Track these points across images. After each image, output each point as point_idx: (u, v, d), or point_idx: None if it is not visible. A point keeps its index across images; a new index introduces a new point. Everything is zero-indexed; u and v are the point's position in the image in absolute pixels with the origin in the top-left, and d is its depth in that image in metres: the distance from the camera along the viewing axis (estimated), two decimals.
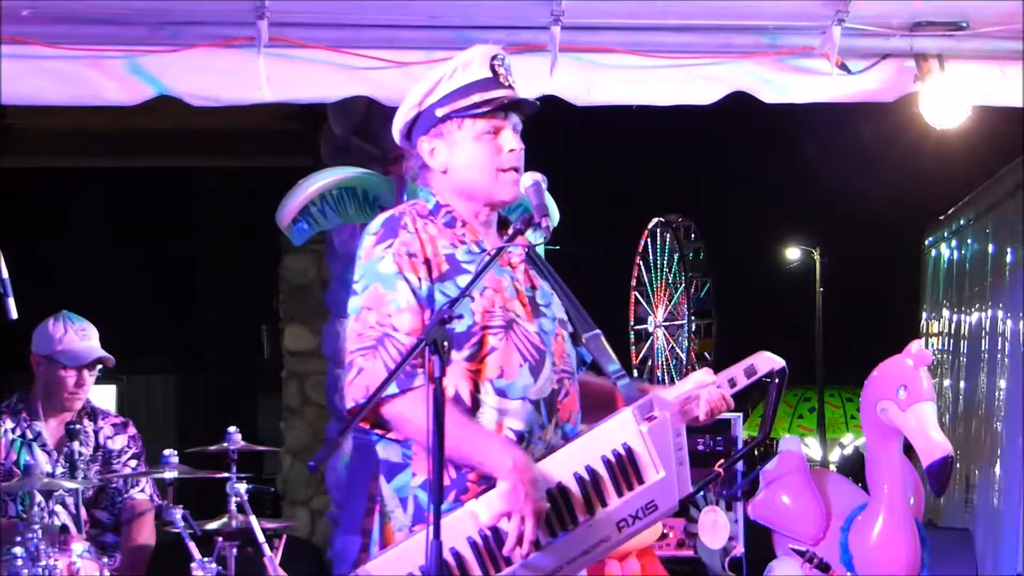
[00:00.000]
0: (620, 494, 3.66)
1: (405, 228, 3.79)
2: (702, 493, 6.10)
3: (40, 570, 5.40)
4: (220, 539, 6.08)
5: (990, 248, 10.06)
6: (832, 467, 30.39)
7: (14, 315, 4.60)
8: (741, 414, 8.01)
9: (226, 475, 6.08)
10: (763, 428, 4.05)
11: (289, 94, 6.16)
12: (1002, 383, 9.41)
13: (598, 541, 3.66)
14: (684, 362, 35.76)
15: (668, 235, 35.83)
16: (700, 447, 7.73)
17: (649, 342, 36.48)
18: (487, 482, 3.62)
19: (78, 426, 6.20)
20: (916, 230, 13.04)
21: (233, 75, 5.97)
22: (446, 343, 3.41)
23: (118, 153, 12.48)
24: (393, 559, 3.63)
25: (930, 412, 5.45)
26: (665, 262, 35.97)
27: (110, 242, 21.59)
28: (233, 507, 6.08)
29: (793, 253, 37.03)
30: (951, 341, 11.26)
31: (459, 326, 3.68)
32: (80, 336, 6.22)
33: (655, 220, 35.75)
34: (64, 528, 5.81)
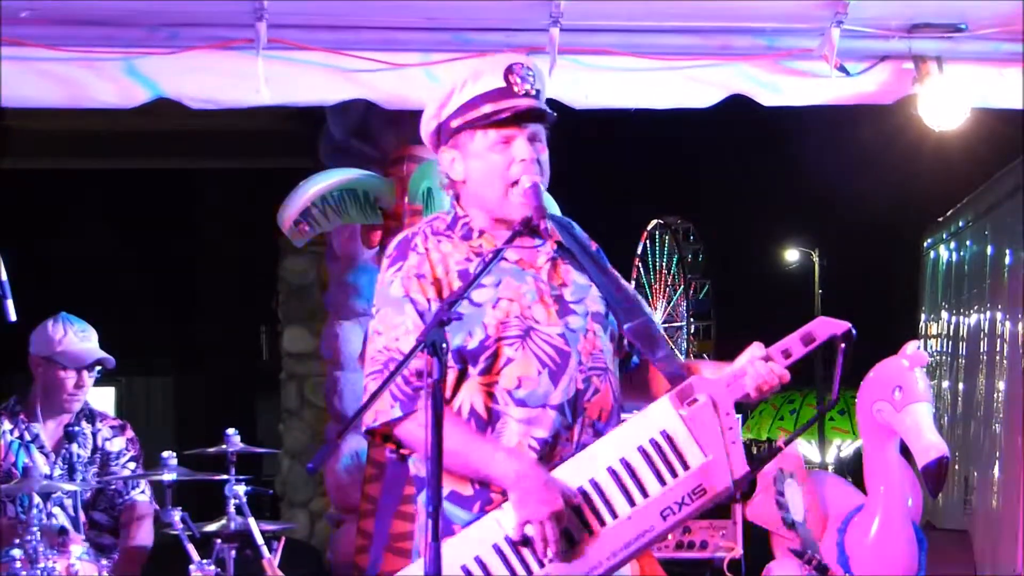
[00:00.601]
0: (662, 483, 3.64)
1: (415, 249, 3.83)
2: None
3: (38, 572, 5.41)
4: (219, 541, 6.08)
5: (989, 250, 10.06)
6: (829, 469, 30.41)
7: (13, 317, 4.60)
8: (740, 416, 7.99)
9: (225, 477, 6.08)
10: (835, 394, 3.89)
11: (288, 97, 6.16)
12: (1001, 385, 9.41)
13: (641, 532, 3.63)
14: None
15: (667, 237, 35.90)
16: None
17: None
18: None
19: (76, 428, 6.21)
20: (915, 232, 13.04)
21: (232, 77, 5.97)
22: (444, 345, 3.41)
23: (117, 154, 12.49)
24: (419, 570, 3.68)
25: (926, 413, 5.44)
26: (664, 264, 36.04)
27: (109, 243, 21.60)
28: (232, 509, 6.08)
29: (792, 255, 37.07)
30: (950, 343, 11.26)
31: (471, 342, 3.71)
32: (80, 337, 6.23)
33: (654, 222, 35.82)
34: (63, 530, 5.81)
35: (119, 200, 20.42)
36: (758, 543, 6.51)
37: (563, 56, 6.00)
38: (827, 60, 6.10)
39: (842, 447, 34.83)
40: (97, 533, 6.19)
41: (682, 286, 35.99)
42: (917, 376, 5.51)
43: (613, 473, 3.64)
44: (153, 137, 11.51)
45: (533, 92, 3.87)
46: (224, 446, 6.14)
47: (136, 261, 21.95)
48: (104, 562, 5.92)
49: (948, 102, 6.30)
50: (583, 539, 3.62)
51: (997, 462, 9.32)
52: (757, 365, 3.74)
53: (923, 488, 5.65)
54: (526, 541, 3.60)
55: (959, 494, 10.12)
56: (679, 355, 3.94)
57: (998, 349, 9.53)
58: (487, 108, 3.82)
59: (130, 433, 6.38)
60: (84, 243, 21.24)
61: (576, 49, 6.09)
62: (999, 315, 9.58)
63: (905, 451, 5.62)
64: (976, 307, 10.32)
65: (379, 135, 9.35)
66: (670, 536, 6.98)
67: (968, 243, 10.88)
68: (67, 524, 5.93)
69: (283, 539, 6.31)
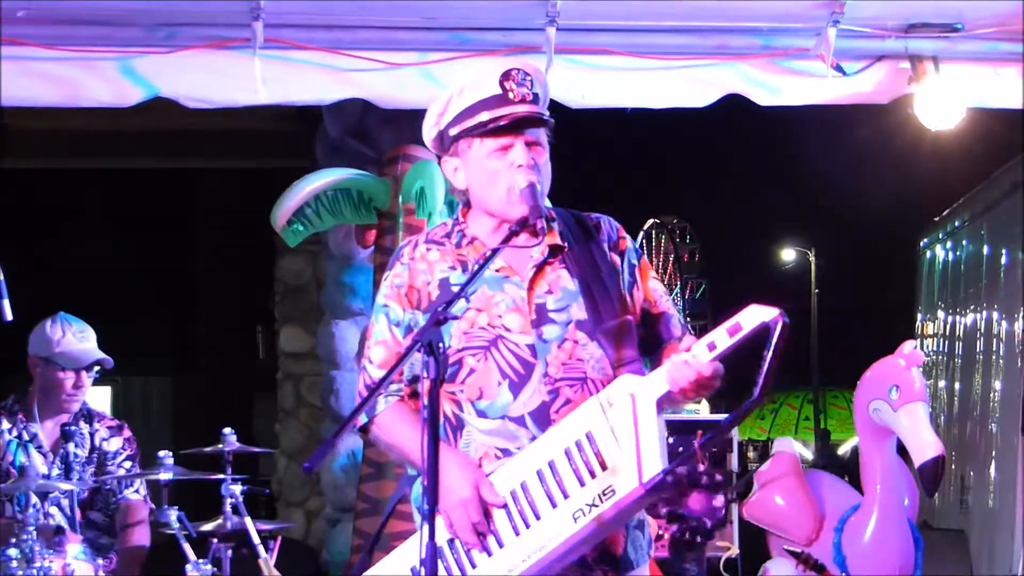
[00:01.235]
0: (582, 484, 3.59)
1: (400, 259, 3.92)
2: None
3: (35, 571, 5.40)
4: (215, 541, 6.07)
5: (985, 250, 10.06)
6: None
7: (9, 316, 4.61)
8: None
9: (221, 476, 6.08)
10: (759, 389, 3.56)
11: (285, 96, 6.16)
12: (997, 384, 9.42)
13: (553, 535, 3.59)
14: None
15: (663, 236, 35.85)
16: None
17: None
18: None
19: (74, 428, 6.21)
20: (911, 231, 13.05)
21: (228, 77, 5.96)
22: (440, 344, 3.41)
23: (113, 154, 12.49)
24: (384, 566, 3.72)
25: (922, 412, 5.45)
26: (660, 263, 35.99)
27: (105, 243, 21.58)
28: (228, 508, 6.07)
29: (789, 254, 37.08)
30: (946, 342, 11.26)
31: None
32: (79, 338, 6.23)
33: (650, 221, 35.77)
34: (59, 529, 5.80)
35: (115, 200, 20.41)
36: (754, 542, 6.52)
37: (560, 56, 6.00)
38: (823, 60, 6.10)
39: (840, 446, 34.84)
40: (94, 533, 6.19)
41: (678, 285, 35.94)
42: (914, 375, 5.52)
43: (540, 476, 3.63)
44: (148, 137, 11.50)
45: (530, 97, 3.85)
46: (220, 445, 6.14)
47: (133, 261, 21.93)
48: (101, 562, 5.91)
49: (945, 102, 6.30)
50: (508, 539, 3.63)
51: (993, 462, 9.33)
52: (675, 360, 3.59)
53: (919, 487, 5.66)
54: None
55: (955, 494, 10.12)
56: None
57: (994, 349, 9.54)
58: (483, 116, 3.82)
59: (127, 433, 6.38)
60: (80, 242, 21.22)
61: (573, 48, 6.08)
62: (995, 315, 9.59)
63: (902, 450, 5.62)
64: (972, 307, 10.32)
65: (376, 135, 9.37)
66: (665, 536, 6.98)
67: (964, 243, 10.88)
68: (64, 524, 5.92)
69: (279, 539, 6.31)
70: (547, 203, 3.94)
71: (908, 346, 5.62)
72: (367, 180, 8.00)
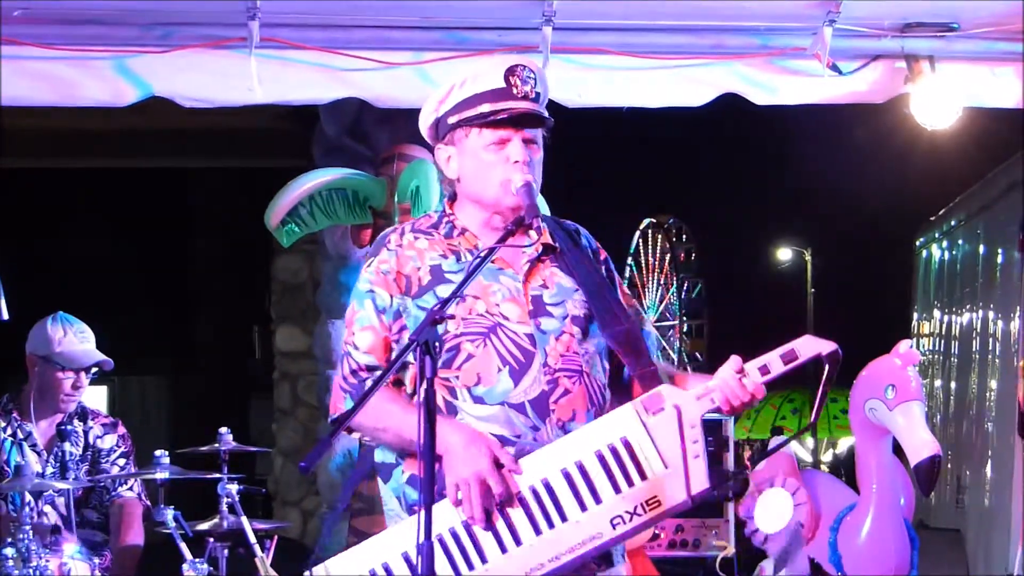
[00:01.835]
0: (617, 490, 3.59)
1: (386, 246, 3.89)
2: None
3: (31, 571, 5.40)
4: (211, 540, 6.08)
5: (981, 249, 10.07)
6: (824, 468, 30.42)
7: (5, 316, 4.61)
8: (733, 416, 7.97)
9: (217, 476, 6.08)
10: (814, 416, 3.87)
11: (281, 95, 6.16)
12: (993, 384, 9.42)
13: (588, 538, 3.58)
14: (676, 362, 35.76)
15: (660, 235, 35.87)
16: None
17: None
18: None
19: (69, 427, 6.21)
20: (907, 231, 13.05)
21: (224, 76, 5.97)
22: (437, 344, 3.42)
23: (109, 154, 12.49)
24: (358, 554, 3.67)
25: (918, 411, 5.46)
26: (656, 262, 36.02)
27: (101, 242, 21.55)
28: (224, 508, 6.08)
29: (785, 254, 37.04)
30: (942, 342, 11.27)
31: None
32: (80, 339, 6.23)
33: (646, 221, 35.79)
34: (56, 529, 5.81)
35: (111, 199, 20.37)
36: (751, 541, 6.51)
37: (556, 55, 6.00)
38: (820, 59, 6.11)
39: (837, 445, 34.85)
40: (89, 531, 6.19)
41: (675, 285, 35.95)
42: (909, 375, 5.52)
43: (567, 475, 3.61)
44: (146, 136, 11.50)
45: (532, 95, 3.88)
46: (217, 445, 6.14)
47: (129, 260, 21.90)
48: (96, 560, 5.91)
49: (940, 101, 6.31)
50: (527, 537, 3.59)
51: (990, 461, 9.34)
52: (730, 380, 3.68)
53: (915, 487, 5.66)
54: (469, 529, 3.60)
55: (952, 493, 10.13)
56: (668, 369, 3.89)
57: (990, 348, 9.54)
58: (485, 108, 3.84)
59: (122, 430, 6.38)
60: (77, 242, 21.19)
61: (569, 48, 6.09)
62: (991, 314, 9.59)
63: (898, 450, 5.63)
64: (968, 306, 10.33)
65: (372, 134, 9.38)
66: (662, 535, 6.98)
67: (960, 242, 10.89)
68: (59, 522, 5.92)
69: (276, 538, 6.31)
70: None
71: (904, 345, 5.62)
72: (362, 179, 8.00)
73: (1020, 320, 8.73)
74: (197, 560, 5.88)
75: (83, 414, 6.30)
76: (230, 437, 6.16)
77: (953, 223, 11.13)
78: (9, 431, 6.14)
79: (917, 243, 12.39)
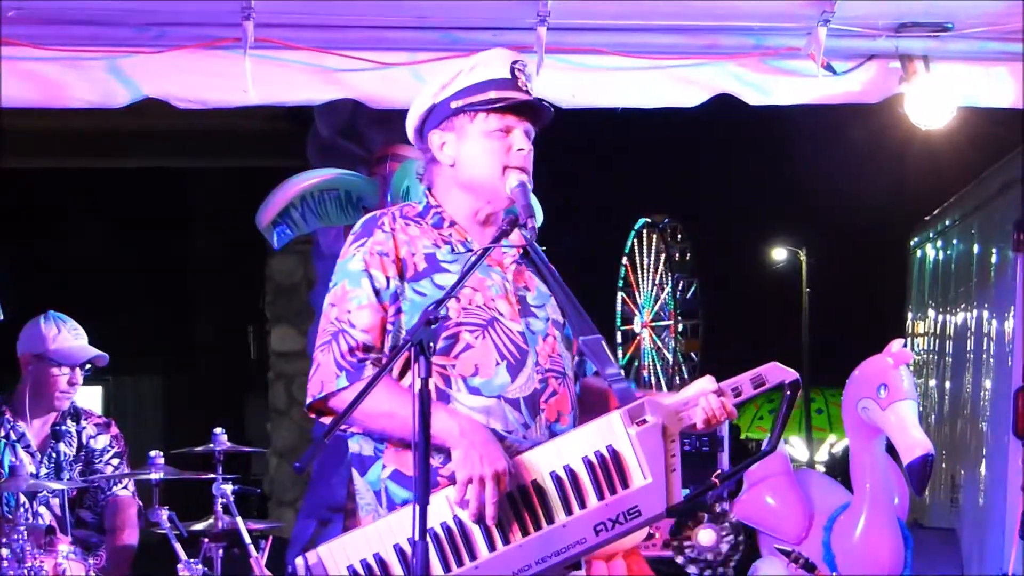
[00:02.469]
0: (601, 496, 3.61)
1: (381, 228, 3.85)
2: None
3: (25, 571, 5.41)
4: (206, 540, 6.08)
5: (975, 249, 10.08)
6: (820, 467, 30.42)
7: (0, 316, 4.61)
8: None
9: (212, 476, 6.08)
10: (771, 440, 3.94)
11: (275, 96, 6.16)
12: (987, 383, 9.43)
13: (573, 543, 3.60)
14: (671, 362, 35.77)
15: (654, 235, 35.85)
16: (686, 447, 7.71)
17: (635, 343, 36.51)
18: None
19: (62, 427, 6.21)
20: (902, 231, 13.06)
21: (219, 77, 5.97)
22: (432, 344, 3.42)
23: (104, 154, 12.49)
24: (348, 543, 3.65)
25: (910, 410, 5.46)
26: (651, 262, 36.00)
27: (96, 242, 21.55)
28: (219, 508, 6.08)
29: (779, 254, 37.04)
30: (936, 341, 11.28)
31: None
32: (73, 335, 6.24)
33: (641, 220, 35.77)
34: (50, 529, 5.81)
35: (107, 199, 20.38)
36: (745, 541, 6.52)
37: (550, 55, 6.01)
38: (814, 59, 6.11)
39: (834, 445, 34.86)
40: (84, 531, 6.19)
41: (669, 284, 35.94)
42: (902, 374, 5.53)
43: (556, 479, 3.63)
44: (140, 137, 11.51)
45: (531, 90, 3.93)
46: (211, 445, 6.14)
47: (124, 260, 21.90)
48: (91, 560, 5.91)
49: (935, 101, 6.31)
50: (516, 537, 3.60)
51: (984, 461, 9.34)
52: (710, 398, 3.73)
53: (909, 486, 5.67)
54: (462, 526, 3.59)
55: (946, 493, 10.14)
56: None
57: (985, 348, 9.55)
58: (492, 93, 3.86)
59: (115, 430, 6.38)
60: (72, 242, 21.19)
61: (563, 48, 6.09)
62: (986, 314, 9.60)
63: (892, 449, 5.63)
64: (963, 306, 10.33)
65: (366, 134, 9.37)
66: (657, 535, 6.99)
67: (955, 242, 10.90)
68: (54, 523, 5.92)
69: (271, 538, 6.32)
70: None
71: (896, 344, 5.63)
72: (355, 180, 7.99)
73: (1015, 319, 8.74)
74: (192, 560, 5.88)
75: (76, 414, 6.30)
76: (225, 437, 6.17)
77: (948, 223, 11.14)
78: (2, 432, 6.14)
79: (912, 243, 12.40)
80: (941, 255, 11.37)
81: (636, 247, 35.88)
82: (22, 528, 5.49)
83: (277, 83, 6.03)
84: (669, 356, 35.31)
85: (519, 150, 3.85)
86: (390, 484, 3.73)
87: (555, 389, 3.81)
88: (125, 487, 6.28)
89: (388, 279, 3.78)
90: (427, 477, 3.36)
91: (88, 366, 6.26)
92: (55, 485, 5.88)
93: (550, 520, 3.61)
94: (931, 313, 11.53)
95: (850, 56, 6.29)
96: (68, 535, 5.87)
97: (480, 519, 3.58)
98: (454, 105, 3.88)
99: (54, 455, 6.18)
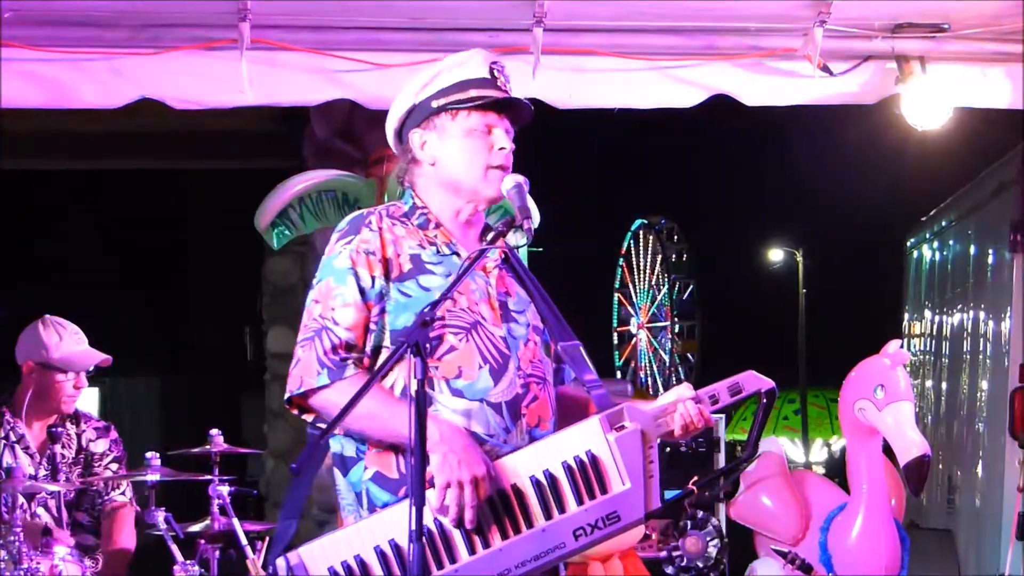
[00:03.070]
0: (580, 502, 3.62)
1: (368, 226, 3.84)
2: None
3: (22, 572, 5.40)
4: (203, 541, 6.08)
5: (972, 249, 10.09)
6: (818, 468, 30.43)
7: None
8: (724, 415, 8.00)
9: (208, 477, 6.08)
10: (748, 448, 3.99)
11: (272, 97, 6.16)
12: (984, 384, 9.44)
13: (552, 547, 3.60)
14: (667, 364, 35.81)
15: (651, 237, 35.94)
16: (682, 448, 7.70)
17: (632, 344, 36.55)
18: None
19: (60, 429, 6.20)
20: (898, 231, 13.07)
21: (215, 78, 5.96)
22: (427, 346, 3.42)
23: (101, 155, 12.46)
24: (329, 545, 3.65)
25: (907, 411, 5.47)
26: (648, 264, 36.08)
27: (93, 243, 21.58)
28: (216, 509, 6.08)
29: (776, 255, 37.08)
30: (933, 342, 11.29)
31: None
32: (75, 340, 6.23)
33: (638, 222, 35.87)
34: (47, 530, 5.80)
35: (103, 201, 20.39)
36: (741, 542, 6.53)
37: (547, 56, 6.00)
38: (810, 60, 6.11)
39: (832, 445, 34.90)
40: (81, 534, 6.18)
41: (666, 286, 36.01)
42: (899, 375, 5.53)
43: (535, 483, 3.63)
44: (137, 138, 11.48)
45: (510, 91, 3.95)
46: (208, 446, 6.14)
47: (121, 261, 21.92)
48: (88, 563, 5.91)
49: (931, 102, 6.31)
50: (496, 541, 3.61)
51: (980, 461, 9.35)
52: (688, 405, 3.77)
53: (906, 487, 5.67)
54: (442, 528, 3.59)
55: (942, 493, 10.15)
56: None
57: (981, 348, 9.56)
58: (473, 92, 3.87)
59: (114, 435, 6.38)
60: (68, 243, 21.20)
61: (560, 49, 6.09)
62: (982, 314, 9.61)
63: (888, 450, 5.63)
64: (959, 306, 10.34)
65: (363, 135, 9.35)
66: (653, 536, 6.99)
67: (951, 243, 10.91)
68: (51, 524, 5.92)
69: (267, 539, 6.31)
70: None
71: (893, 345, 5.63)
72: (352, 181, 7.99)
73: (1011, 320, 8.75)
74: (188, 562, 5.87)
75: (75, 417, 6.30)
76: (221, 439, 6.16)
77: (944, 223, 11.15)
78: (1, 433, 6.13)
79: (908, 243, 12.41)
80: (938, 256, 11.38)
81: (633, 248, 35.97)
82: (19, 529, 5.48)
83: (274, 83, 6.03)
84: (666, 357, 35.34)
85: (500, 148, 3.87)
86: (371, 486, 3.73)
87: (536, 394, 3.82)
88: (123, 493, 6.28)
89: (374, 278, 3.77)
90: (423, 476, 3.36)
91: (91, 368, 6.26)
92: (52, 487, 5.88)
93: (530, 524, 3.62)
94: (927, 314, 11.54)
95: (846, 57, 6.29)
96: (65, 536, 5.86)
97: (460, 523, 3.58)
98: (435, 104, 3.89)
99: (52, 457, 6.18)
